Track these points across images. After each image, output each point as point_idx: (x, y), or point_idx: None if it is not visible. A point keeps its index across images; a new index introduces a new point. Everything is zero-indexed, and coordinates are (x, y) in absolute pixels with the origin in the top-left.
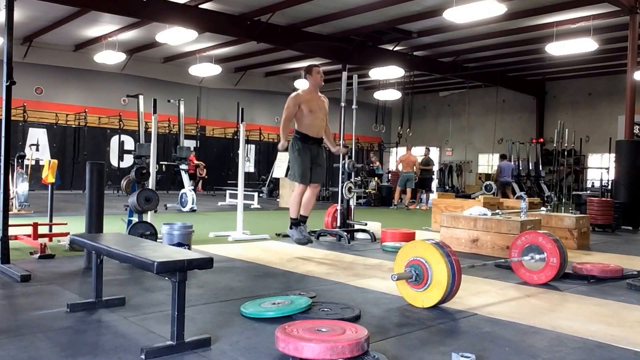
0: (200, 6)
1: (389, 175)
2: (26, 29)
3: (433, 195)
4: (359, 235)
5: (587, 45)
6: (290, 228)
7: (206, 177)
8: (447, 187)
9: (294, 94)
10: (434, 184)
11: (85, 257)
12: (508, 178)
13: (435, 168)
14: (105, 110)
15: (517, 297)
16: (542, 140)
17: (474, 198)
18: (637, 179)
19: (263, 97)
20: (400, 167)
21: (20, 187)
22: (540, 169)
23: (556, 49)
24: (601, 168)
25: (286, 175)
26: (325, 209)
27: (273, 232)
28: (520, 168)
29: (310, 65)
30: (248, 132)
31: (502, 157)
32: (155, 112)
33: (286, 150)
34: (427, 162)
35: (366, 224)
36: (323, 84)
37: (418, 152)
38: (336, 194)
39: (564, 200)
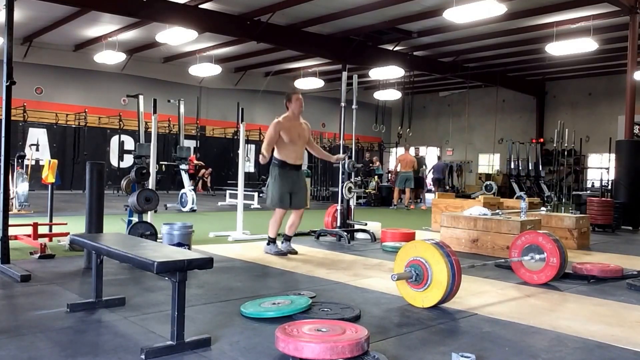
0: (200, 6)
1: (389, 175)
2: (26, 29)
3: (432, 196)
4: (359, 235)
5: (587, 45)
6: (268, 244)
7: (205, 178)
8: (447, 187)
9: (275, 120)
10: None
11: (85, 257)
12: (439, 175)
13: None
14: (105, 110)
15: (517, 297)
16: (542, 140)
17: (474, 198)
18: (637, 179)
19: (263, 97)
20: (398, 167)
21: (20, 187)
22: (540, 169)
23: (556, 49)
24: (601, 168)
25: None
26: (325, 209)
27: None
28: (520, 168)
29: (290, 93)
30: (248, 132)
31: (438, 158)
32: (155, 112)
33: (268, 164)
34: (419, 162)
35: (366, 224)
36: (303, 110)
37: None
38: (336, 194)
39: (564, 200)
